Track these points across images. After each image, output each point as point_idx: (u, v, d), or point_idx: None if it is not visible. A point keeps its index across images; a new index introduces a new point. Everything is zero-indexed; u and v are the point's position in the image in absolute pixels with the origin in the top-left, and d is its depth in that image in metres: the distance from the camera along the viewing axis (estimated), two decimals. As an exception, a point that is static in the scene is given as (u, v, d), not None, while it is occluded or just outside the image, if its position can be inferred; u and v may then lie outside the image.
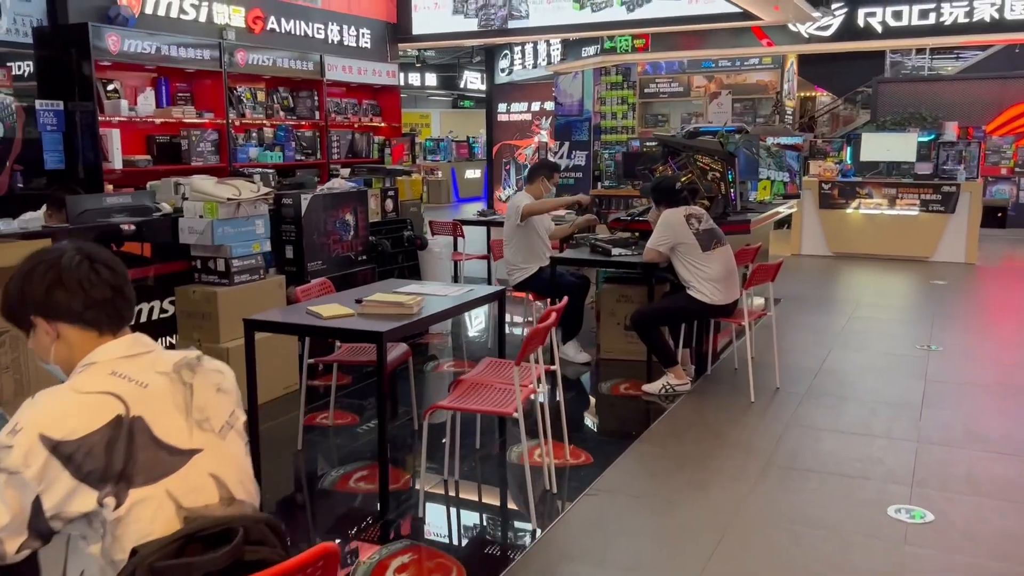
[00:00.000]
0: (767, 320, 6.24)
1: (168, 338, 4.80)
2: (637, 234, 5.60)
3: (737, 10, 7.50)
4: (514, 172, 16.31)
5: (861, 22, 9.99)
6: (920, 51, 16.50)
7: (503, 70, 15.35)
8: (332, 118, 8.08)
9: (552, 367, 3.93)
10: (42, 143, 5.54)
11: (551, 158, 13.31)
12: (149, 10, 6.28)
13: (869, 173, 10.33)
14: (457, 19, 8.90)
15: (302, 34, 7.80)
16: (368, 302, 3.59)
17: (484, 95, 16.58)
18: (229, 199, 4.59)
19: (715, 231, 4.98)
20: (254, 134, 7.29)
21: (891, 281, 9.02)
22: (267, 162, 7.15)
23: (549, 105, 14.90)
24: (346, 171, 7.09)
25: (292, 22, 7.65)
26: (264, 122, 7.33)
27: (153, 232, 4.71)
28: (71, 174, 5.70)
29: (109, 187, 5.82)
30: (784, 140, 7.17)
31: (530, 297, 5.81)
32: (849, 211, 10.27)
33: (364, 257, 5.71)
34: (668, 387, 5.00)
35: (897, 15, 9.82)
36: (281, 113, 7.53)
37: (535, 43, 13.68)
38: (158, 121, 6.34)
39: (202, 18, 6.74)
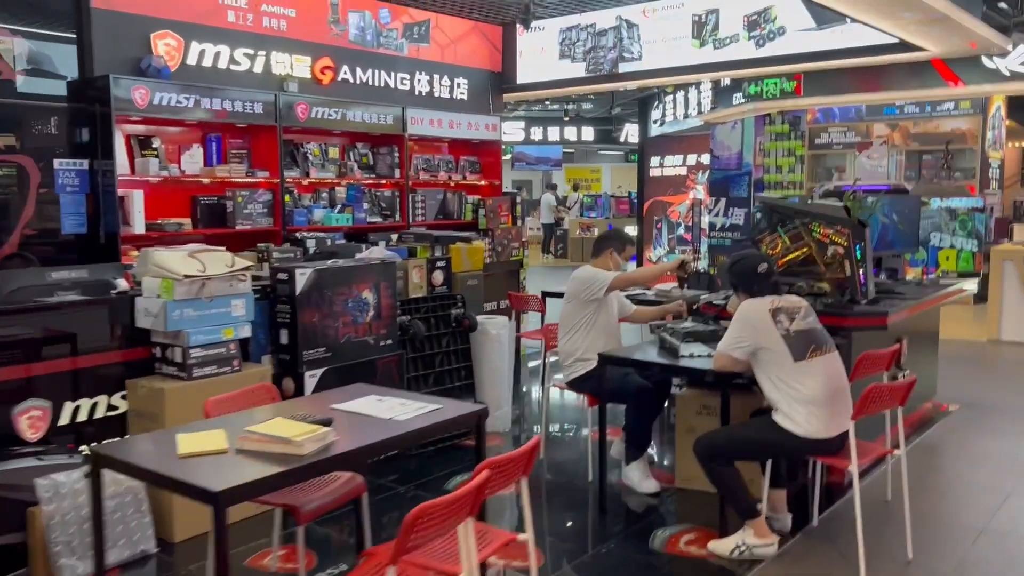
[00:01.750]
0: (926, 441, 4.65)
1: (113, 439, 4.04)
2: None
3: (893, 40, 5.98)
4: (666, 231, 14.98)
5: (1081, 53, 7.97)
6: None
7: (655, 121, 14.18)
8: (419, 176, 7.30)
9: (521, 536, 2.73)
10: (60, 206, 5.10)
11: (706, 216, 11.94)
12: (193, 60, 5.78)
13: (1095, 241, 8.16)
14: (564, 64, 7.92)
15: (382, 84, 7.11)
16: (248, 434, 2.60)
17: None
18: (187, 276, 3.81)
19: (815, 333, 3.57)
20: (324, 194, 6.63)
21: (1122, 384, 6.87)
22: (333, 225, 6.44)
23: (706, 158, 13.55)
24: (391, 236, 6.21)
25: (370, 72, 6.99)
26: (335, 181, 6.66)
27: (110, 313, 4.01)
28: (92, 238, 5.22)
29: (133, 253, 5.29)
30: (956, 202, 5.48)
31: (586, 401, 4.59)
32: (1066, 289, 8.12)
33: (389, 342, 4.76)
34: (744, 548, 3.60)
35: None
36: (357, 171, 6.84)
37: (686, 91, 12.43)
38: (205, 180, 5.79)
39: (257, 68, 6.18)
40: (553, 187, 21.48)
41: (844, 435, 3.49)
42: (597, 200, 19.64)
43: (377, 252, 5.14)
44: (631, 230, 19.23)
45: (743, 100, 10.28)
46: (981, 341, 8.58)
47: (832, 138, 12.33)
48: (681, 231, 14.43)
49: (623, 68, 7.48)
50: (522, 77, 8.06)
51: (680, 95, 12.66)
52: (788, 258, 4.52)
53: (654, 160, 14.70)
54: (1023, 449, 5.07)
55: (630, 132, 18.71)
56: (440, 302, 5.29)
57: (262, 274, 4.71)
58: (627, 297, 5.02)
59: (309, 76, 6.53)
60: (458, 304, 5.34)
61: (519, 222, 8.03)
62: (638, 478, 4.41)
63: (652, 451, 4.88)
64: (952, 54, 6.68)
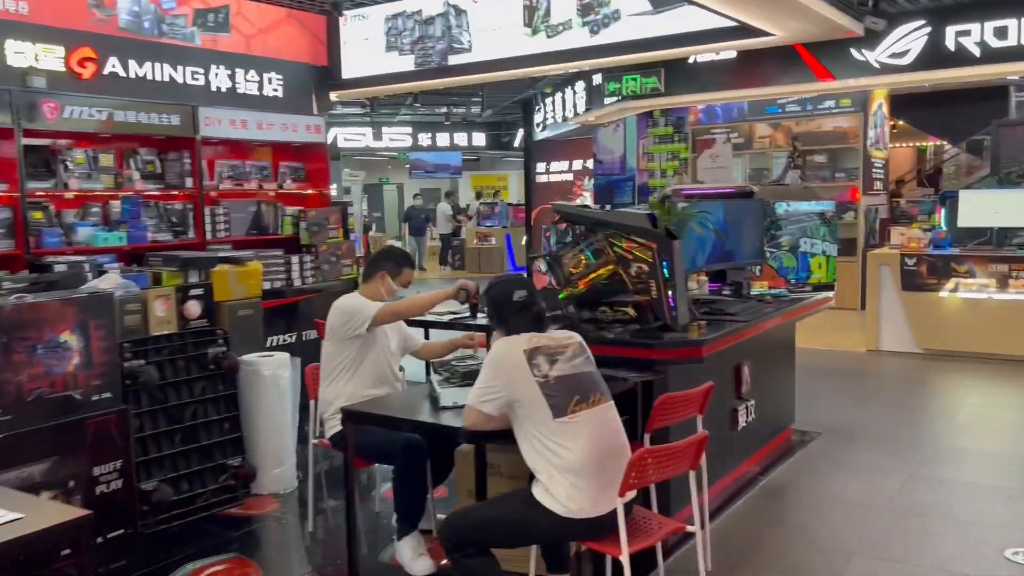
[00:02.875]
0: (773, 483, 3.94)
1: None
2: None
3: (733, 24, 5.31)
4: (555, 240, 14.27)
5: (951, 44, 7.48)
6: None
7: (538, 124, 13.46)
8: (221, 186, 6.34)
9: None
10: None
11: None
12: None
13: (971, 243, 7.68)
14: (392, 57, 7.07)
15: (166, 79, 6.13)
16: None
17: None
18: None
19: (583, 378, 2.78)
20: (95, 209, 5.61)
21: (996, 401, 6.33)
22: (102, 246, 5.43)
23: (592, 163, 12.89)
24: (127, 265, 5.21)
25: (149, 65, 6.01)
26: (110, 193, 5.65)
27: None
28: None
29: None
30: (805, 206, 4.81)
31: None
32: (943, 295, 7.61)
33: (106, 395, 3.79)
34: (500, 660, 2.78)
35: (1001, 32, 7.27)
36: (139, 181, 5.83)
37: (563, 91, 11.73)
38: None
39: (-12, 60, 5.15)
40: (449, 195, 20.63)
41: (624, 509, 2.70)
42: (494, 208, 18.83)
43: (109, 280, 4.18)
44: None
45: (615, 99, 9.58)
46: (860, 352, 8.04)
47: (716, 140, 11.78)
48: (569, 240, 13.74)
49: (453, 60, 6.67)
50: (347, 72, 7.16)
51: (558, 96, 11.95)
52: (591, 277, 3.73)
53: (540, 165, 13.99)
54: (878, 489, 4.39)
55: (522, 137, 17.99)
56: (194, 340, 4.35)
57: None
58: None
59: (63, 69, 5.51)
60: (218, 341, 4.40)
61: (351, 236, 7.14)
62: (409, 556, 3.54)
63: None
64: (801, 38, 6.08)
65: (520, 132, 18.06)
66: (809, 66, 8.02)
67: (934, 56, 7.55)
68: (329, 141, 17.30)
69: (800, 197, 5.15)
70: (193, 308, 4.42)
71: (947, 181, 16.36)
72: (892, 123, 16.96)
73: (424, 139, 17.25)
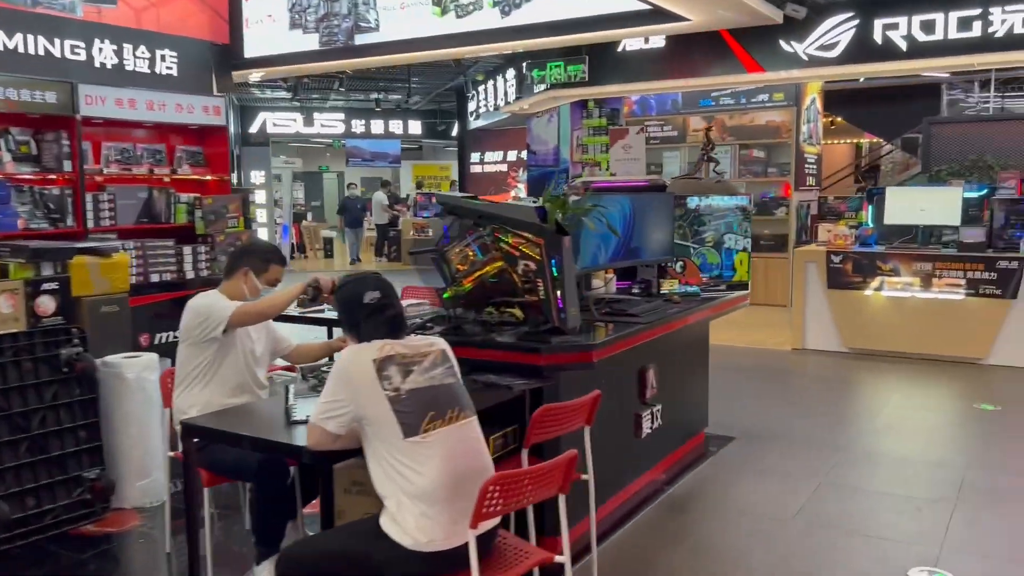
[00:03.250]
0: (677, 493, 3.67)
1: None
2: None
3: (646, 7, 5.04)
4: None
5: (878, 37, 7.34)
6: (986, 85, 13.60)
7: (472, 113, 13.11)
8: (107, 170, 5.87)
9: None
10: None
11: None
12: None
13: (897, 241, 7.57)
14: (295, 35, 6.66)
15: (41, 53, 5.63)
16: None
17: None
18: None
19: (440, 391, 2.47)
20: (-46, 193, 5.11)
21: (915, 403, 6.21)
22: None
23: (526, 154, 12.60)
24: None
25: (20, 37, 5.50)
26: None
27: None
28: None
29: None
30: (717, 200, 4.56)
31: (202, 479, 3.32)
32: (868, 293, 7.49)
33: (-72, 402, 3.36)
34: None
35: (928, 27, 7.15)
36: (9, 163, 5.34)
37: (495, 78, 11.40)
38: None
39: None
40: (386, 184, 20.16)
41: (483, 540, 2.39)
42: (431, 198, 18.42)
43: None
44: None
45: (543, 88, 9.28)
46: (785, 351, 7.89)
47: (650, 132, 11.57)
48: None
49: (360, 40, 6.28)
50: (250, 50, 6.72)
51: (490, 84, 11.62)
52: (477, 275, 3.42)
53: (474, 155, 13.64)
54: (787, 499, 4.17)
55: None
56: (44, 339, 3.92)
57: None
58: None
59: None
60: (73, 340, 3.97)
61: (252, 226, 6.72)
62: (267, 583, 3.20)
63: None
64: (720, 24, 5.86)
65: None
66: (738, 57, 7.83)
67: (862, 49, 7.41)
68: (256, 127, 16.77)
69: (715, 191, 4.90)
70: (46, 304, 3.98)
71: (884, 178, 16.47)
72: (830, 120, 17.08)
73: (358, 126, 16.76)
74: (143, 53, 6.21)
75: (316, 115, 16.18)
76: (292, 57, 6.75)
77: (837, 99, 14.29)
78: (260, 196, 15.70)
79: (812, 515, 3.98)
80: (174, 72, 6.38)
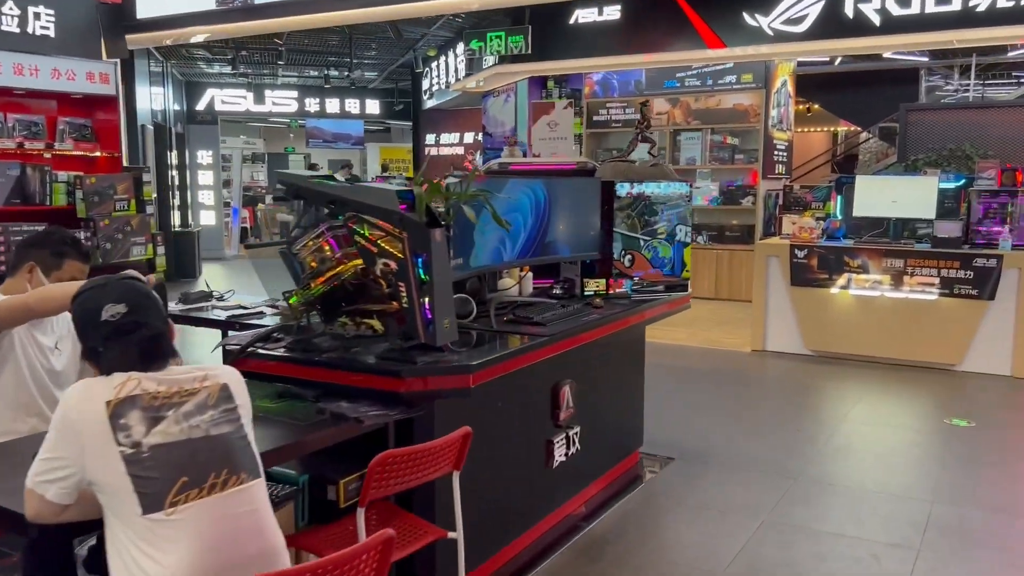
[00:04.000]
0: (595, 532, 3.04)
1: None
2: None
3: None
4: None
5: (850, 11, 6.69)
6: (966, 71, 13.02)
7: (425, 92, 12.36)
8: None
9: None
10: None
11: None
12: None
13: (866, 235, 6.95)
14: (192, -6, 5.92)
15: None
16: None
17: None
18: None
19: (207, 446, 1.78)
20: None
21: (880, 416, 5.59)
22: None
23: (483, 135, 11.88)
24: None
25: None
26: None
27: None
28: None
29: None
30: (656, 188, 3.88)
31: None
32: (834, 291, 6.88)
33: None
34: None
35: (903, 0, 6.49)
36: None
37: (445, 55, 10.65)
38: None
39: None
40: (347, 166, 19.36)
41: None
42: (391, 181, 17.68)
43: None
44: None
45: (493, 63, 8.56)
46: (743, 352, 7.27)
47: (611, 115, 10.89)
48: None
49: (260, 0, 5.56)
50: (143, 11, 5.96)
51: (442, 59, 10.88)
52: (328, 276, 2.73)
53: (430, 137, 12.91)
54: (722, 543, 3.53)
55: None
56: None
57: None
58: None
59: None
60: None
61: (147, 209, 5.98)
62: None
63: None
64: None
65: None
66: (698, 31, 7.16)
67: (832, 24, 6.77)
68: (204, 104, 15.91)
69: (650, 176, 4.23)
70: None
71: (862, 168, 15.90)
72: (806, 107, 16.48)
73: (312, 104, 15.93)
74: (11, 10, 5.44)
75: (267, 92, 15.34)
76: (188, 19, 5.99)
77: (812, 84, 13.67)
78: (207, 177, 14.90)
79: (749, 565, 3.34)
80: (50, 33, 5.62)
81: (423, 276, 2.57)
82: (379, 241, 2.62)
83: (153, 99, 10.95)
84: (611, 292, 3.98)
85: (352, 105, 15.94)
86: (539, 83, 11.03)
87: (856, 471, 4.44)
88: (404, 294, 2.59)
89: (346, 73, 12.49)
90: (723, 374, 6.59)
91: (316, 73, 14.34)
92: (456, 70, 10.17)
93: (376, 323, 2.69)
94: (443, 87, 11.05)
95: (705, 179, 10.47)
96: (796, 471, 4.37)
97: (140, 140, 9.55)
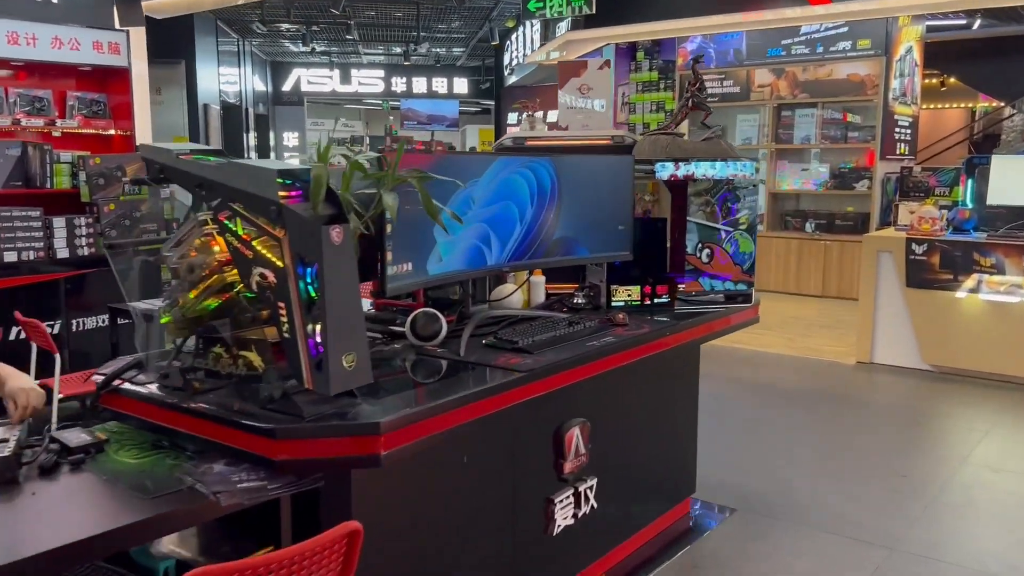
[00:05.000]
0: None
1: None
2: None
3: None
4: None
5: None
6: None
7: (506, 67, 11.55)
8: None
9: None
10: None
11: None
12: None
13: (1003, 227, 5.71)
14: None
15: None
16: None
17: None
18: None
19: None
20: None
21: (1017, 454, 4.43)
22: None
23: (567, 114, 10.99)
24: None
25: None
26: None
27: None
28: None
29: None
30: (710, 168, 2.95)
31: None
32: (960, 295, 5.68)
33: None
34: None
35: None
36: None
37: (522, 26, 9.79)
38: None
39: None
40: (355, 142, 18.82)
41: None
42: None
43: None
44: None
45: (565, 30, 7.67)
46: (847, 365, 6.16)
47: (708, 88, 9.77)
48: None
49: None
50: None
51: (520, 31, 10.05)
52: (202, 289, 1.99)
53: (512, 116, 12.10)
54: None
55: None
56: None
57: None
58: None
59: None
60: None
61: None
62: None
63: None
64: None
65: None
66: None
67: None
68: (290, 85, 15.63)
69: (702, 153, 3.30)
70: None
71: (1004, 149, 14.06)
72: (940, 80, 14.72)
73: (398, 84, 15.40)
74: (5, -28, 4.99)
75: (353, 72, 14.90)
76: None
77: (946, 53, 12.06)
78: (293, 160, 14.65)
79: None
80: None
81: (311, 294, 1.79)
82: (255, 243, 1.85)
83: (226, 79, 10.62)
84: (656, 300, 3.11)
85: (439, 84, 15.32)
86: (627, 54, 10.04)
87: (975, 541, 3.39)
88: (284, 319, 1.82)
89: (413, 48, 11.82)
90: (816, 394, 5.52)
91: (399, 50, 13.79)
92: (532, 41, 9.33)
93: (254, 357, 1.93)
94: (522, 61, 10.22)
95: (812, 161, 9.26)
96: (895, 536, 3.36)
97: (202, 121, 9.19)
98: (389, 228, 2.21)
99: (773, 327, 7.24)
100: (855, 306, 7.23)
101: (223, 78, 10.18)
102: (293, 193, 1.86)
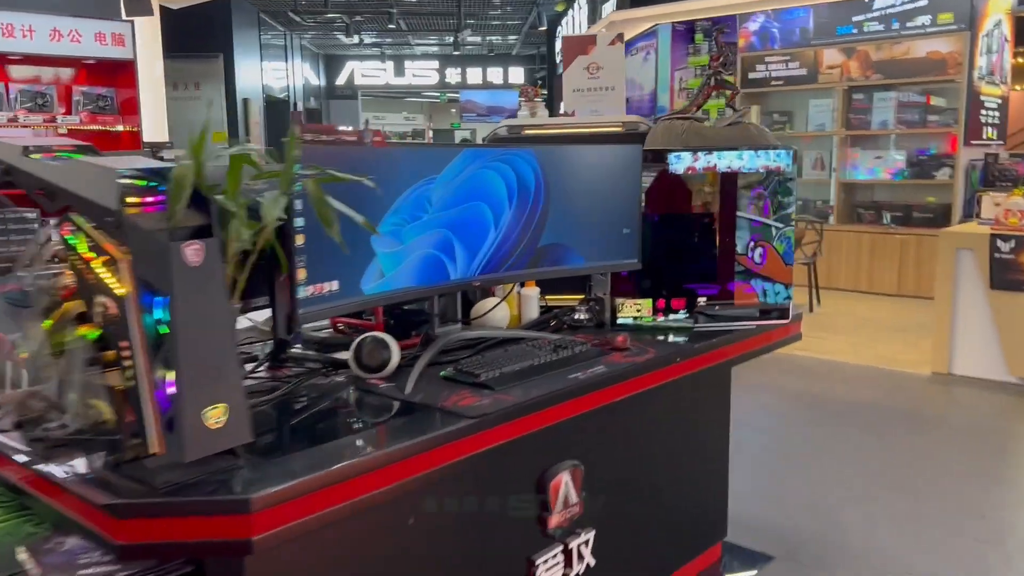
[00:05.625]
0: None
1: None
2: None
3: None
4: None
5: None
6: None
7: (558, 54, 11.05)
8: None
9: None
10: None
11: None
12: None
13: (1107, 221, 4.97)
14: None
15: None
16: None
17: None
18: None
19: None
20: None
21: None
22: None
23: (622, 102, 10.44)
24: None
25: None
26: None
27: None
28: None
29: None
30: (737, 158, 2.43)
31: None
32: (1054, 299, 4.98)
33: None
34: None
35: None
36: None
37: (572, 7, 9.27)
38: None
39: None
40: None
41: None
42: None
43: None
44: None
45: (611, 10, 7.14)
46: (922, 376, 5.50)
47: (770, 71, 9.11)
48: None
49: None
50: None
51: (570, 15, 9.54)
52: (57, 318, 1.60)
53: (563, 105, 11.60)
54: None
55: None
56: None
57: None
58: None
59: None
60: None
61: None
62: None
63: None
64: None
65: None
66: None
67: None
68: (344, 78, 15.43)
69: (725, 140, 2.79)
70: None
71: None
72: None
73: (452, 75, 15.03)
74: (1, -38, 4.75)
75: (407, 64, 14.60)
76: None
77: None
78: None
79: None
80: (55, -12, 4.89)
81: (160, 330, 1.38)
82: (93, 264, 1.45)
83: (271, 72, 10.41)
84: (671, 315, 2.62)
85: (495, 74, 14.89)
86: (684, 36, 9.45)
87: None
88: (129, 362, 1.41)
89: (462, 37, 11.38)
90: (883, 411, 4.89)
91: (450, 40, 13.43)
92: (579, 25, 8.82)
93: (104, 407, 1.53)
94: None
95: (887, 147, 8.50)
96: (966, 601, 2.79)
97: (241, 115, 8.98)
98: (301, 239, 1.78)
99: (838, 330, 6.60)
100: (934, 307, 6.52)
101: (269, 72, 9.98)
102: (154, 199, 1.45)
